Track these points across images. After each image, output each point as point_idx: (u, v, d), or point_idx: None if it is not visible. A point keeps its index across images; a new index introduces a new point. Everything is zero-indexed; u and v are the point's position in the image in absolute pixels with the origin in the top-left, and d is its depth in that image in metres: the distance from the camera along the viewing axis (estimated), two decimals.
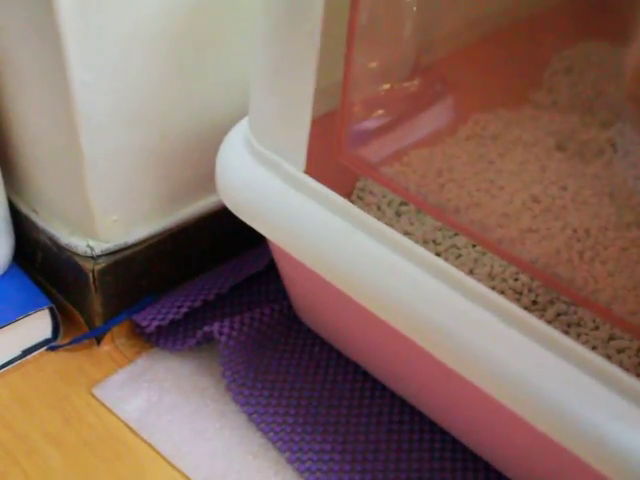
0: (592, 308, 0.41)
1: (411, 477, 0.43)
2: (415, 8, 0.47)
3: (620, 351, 0.45)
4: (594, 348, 0.45)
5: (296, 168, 0.41)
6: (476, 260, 0.51)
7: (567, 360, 0.33)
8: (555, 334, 0.34)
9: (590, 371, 0.33)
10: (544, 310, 0.48)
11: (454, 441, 0.45)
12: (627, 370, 0.33)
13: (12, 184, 0.51)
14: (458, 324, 0.36)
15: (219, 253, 0.55)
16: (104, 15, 0.41)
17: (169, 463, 0.44)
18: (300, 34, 0.39)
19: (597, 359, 0.33)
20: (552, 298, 0.49)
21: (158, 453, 0.45)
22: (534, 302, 0.49)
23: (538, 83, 0.57)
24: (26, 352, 0.50)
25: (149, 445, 0.45)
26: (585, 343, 0.45)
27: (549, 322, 0.47)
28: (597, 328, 0.46)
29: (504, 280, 0.49)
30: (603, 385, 0.33)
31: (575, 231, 0.49)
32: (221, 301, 0.53)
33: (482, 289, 0.36)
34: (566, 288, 0.41)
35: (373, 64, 0.47)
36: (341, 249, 0.39)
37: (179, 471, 0.44)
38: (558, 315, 0.48)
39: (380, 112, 0.50)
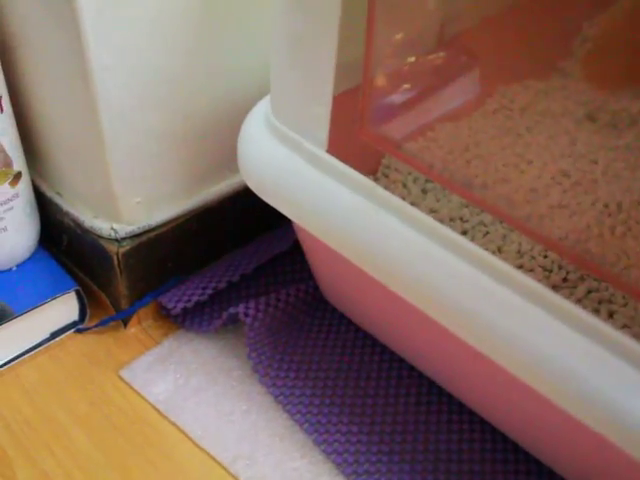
0: (622, 287, 0.40)
1: (440, 457, 0.43)
2: None
3: None
4: (625, 326, 0.44)
5: (318, 147, 0.40)
6: (504, 237, 0.50)
7: (595, 340, 0.33)
8: (582, 314, 0.33)
9: (618, 351, 0.32)
10: (574, 287, 0.47)
11: (482, 422, 0.44)
12: None
13: (36, 168, 0.51)
14: (484, 305, 0.35)
15: (243, 233, 0.54)
16: None
17: (196, 445, 0.44)
18: (320, 7, 0.38)
19: (625, 339, 0.32)
20: (583, 275, 0.48)
21: (185, 435, 0.45)
22: (564, 279, 0.48)
23: (567, 51, 0.56)
24: (54, 335, 0.50)
25: (176, 427, 0.45)
26: (616, 321, 0.44)
27: (579, 300, 0.46)
28: (626, 305, 0.45)
29: (533, 257, 0.48)
30: (631, 365, 0.32)
31: (606, 206, 0.48)
32: (246, 282, 0.52)
33: (508, 269, 0.35)
34: (595, 266, 0.40)
35: (396, 37, 0.46)
36: (364, 229, 0.39)
37: (207, 453, 0.44)
38: (589, 292, 0.47)
39: (404, 86, 0.49)
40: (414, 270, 0.37)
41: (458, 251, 0.36)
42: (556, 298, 0.34)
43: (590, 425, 0.32)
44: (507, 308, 0.35)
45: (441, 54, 0.51)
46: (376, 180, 0.54)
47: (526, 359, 0.34)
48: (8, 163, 0.47)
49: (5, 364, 0.48)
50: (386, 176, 0.54)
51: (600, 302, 0.46)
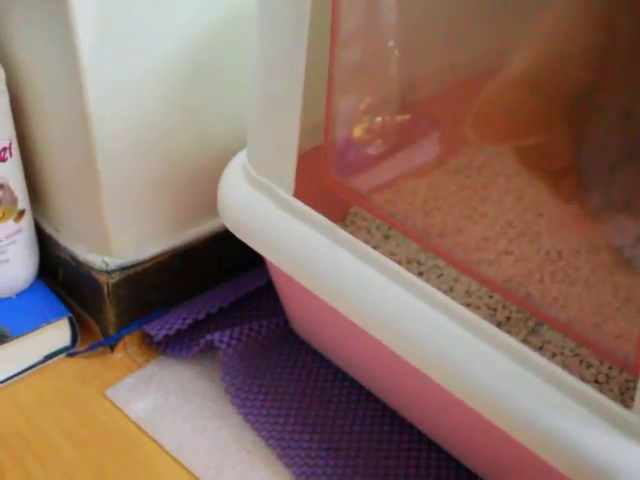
0: (557, 326, 0.46)
1: (389, 473, 0.47)
2: (397, 52, 0.53)
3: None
4: (554, 355, 0.49)
5: (286, 192, 0.46)
6: (456, 279, 0.55)
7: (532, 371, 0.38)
8: (522, 348, 0.38)
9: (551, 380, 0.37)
10: (517, 326, 0.52)
11: (430, 442, 0.49)
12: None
13: (37, 206, 0.57)
14: (437, 338, 0.40)
15: (222, 271, 0.60)
16: (121, 57, 0.46)
17: (172, 457, 0.49)
18: (287, 77, 0.45)
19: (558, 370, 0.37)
20: (526, 317, 0.53)
21: (162, 448, 0.50)
22: (508, 318, 0.53)
23: None
24: (47, 357, 0.55)
25: (154, 441, 0.50)
26: (546, 351, 0.50)
27: (523, 339, 0.51)
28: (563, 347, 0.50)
29: (480, 297, 0.54)
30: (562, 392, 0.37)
31: (548, 253, 0.53)
32: (223, 314, 0.58)
33: (458, 307, 0.40)
34: (534, 307, 0.46)
35: (358, 101, 0.52)
36: (327, 266, 0.44)
37: (180, 464, 0.48)
38: (531, 331, 0.52)
39: (368, 146, 0.55)
40: (371, 305, 0.43)
41: (413, 289, 0.42)
42: (497, 332, 0.39)
43: (532, 448, 0.37)
44: (456, 341, 0.40)
45: (402, 117, 0.57)
46: (344, 226, 0.60)
47: (471, 386, 0.39)
48: (14, 201, 0.52)
49: (2, 382, 0.53)
50: (353, 223, 0.60)
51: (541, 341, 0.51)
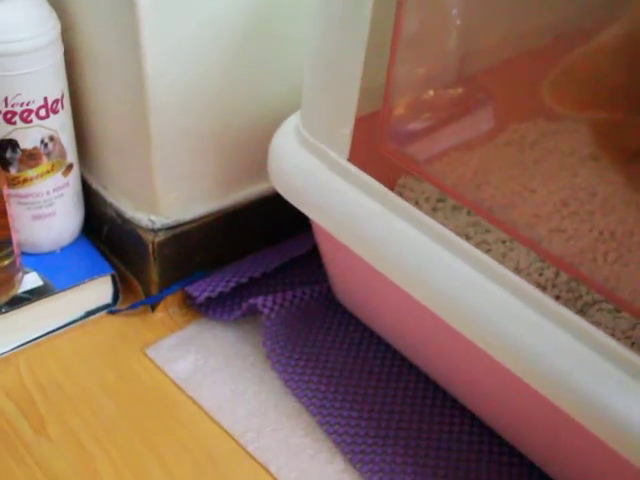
0: (614, 300, 0.45)
1: (430, 445, 0.47)
2: (458, 21, 0.51)
3: None
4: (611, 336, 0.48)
5: (340, 156, 0.45)
6: (504, 255, 0.54)
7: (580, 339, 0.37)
8: (572, 317, 0.37)
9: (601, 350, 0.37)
10: (565, 305, 0.51)
11: (473, 416, 0.49)
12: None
13: (85, 162, 0.57)
14: (485, 306, 0.40)
15: (267, 236, 0.59)
16: (179, 9, 0.46)
17: (210, 418, 0.49)
18: (349, 38, 0.44)
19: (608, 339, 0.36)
20: (575, 296, 0.52)
21: (201, 408, 0.49)
22: (557, 297, 0.52)
23: None
24: (89, 313, 0.55)
25: (193, 401, 0.50)
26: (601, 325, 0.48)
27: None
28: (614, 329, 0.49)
29: (529, 274, 0.53)
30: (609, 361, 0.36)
31: (601, 233, 0.52)
32: (266, 279, 0.57)
33: (510, 275, 0.39)
34: (591, 280, 0.45)
35: (417, 70, 0.51)
36: (379, 233, 0.44)
37: (219, 425, 0.48)
38: (579, 312, 0.51)
39: (423, 115, 0.54)
40: (423, 273, 0.42)
41: (464, 257, 0.41)
42: (552, 303, 0.38)
43: (573, 415, 0.37)
44: (503, 307, 0.39)
45: (459, 89, 0.56)
46: None
47: (520, 356, 0.38)
48: (63, 155, 0.52)
49: (44, 335, 0.53)
50: (400, 194, 0.59)
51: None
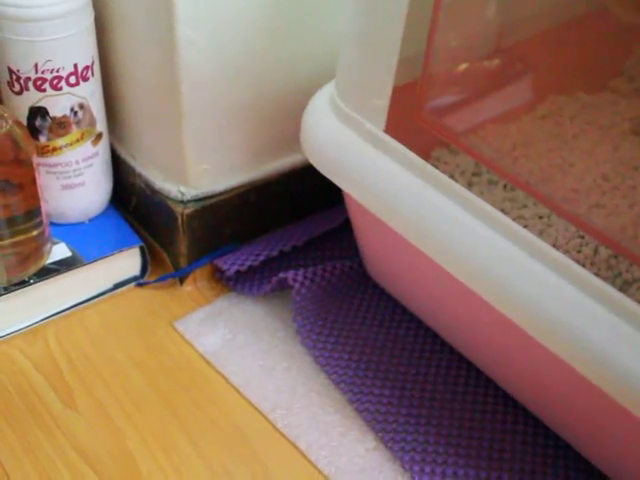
0: None
1: (463, 425, 0.46)
2: None
3: None
4: None
5: (377, 127, 0.44)
6: (542, 231, 0.53)
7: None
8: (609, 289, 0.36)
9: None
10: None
11: (506, 396, 0.48)
12: None
13: (115, 131, 0.56)
14: (523, 281, 0.38)
15: (298, 209, 0.58)
16: None
17: (239, 393, 0.48)
18: (388, 7, 0.42)
19: None
20: (614, 274, 0.51)
21: (230, 384, 0.49)
22: (596, 274, 0.50)
23: (619, 71, 0.59)
24: (117, 285, 0.55)
25: (222, 376, 0.49)
26: None
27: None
28: None
29: (567, 252, 0.51)
30: None
31: None
32: (296, 253, 0.56)
33: (550, 250, 0.38)
34: (633, 254, 0.43)
35: (456, 40, 0.49)
36: (414, 205, 0.42)
37: (248, 401, 0.48)
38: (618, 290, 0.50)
39: (460, 85, 0.52)
40: (457, 245, 0.41)
41: (498, 228, 0.40)
42: (592, 278, 0.37)
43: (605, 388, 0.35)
44: (542, 283, 0.38)
45: (498, 60, 0.55)
46: None
47: (557, 333, 0.37)
48: (92, 123, 0.51)
49: (72, 307, 0.53)
50: (436, 167, 0.58)
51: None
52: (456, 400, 0.47)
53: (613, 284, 0.50)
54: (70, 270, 0.51)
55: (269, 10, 0.48)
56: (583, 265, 0.51)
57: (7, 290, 0.49)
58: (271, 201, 0.56)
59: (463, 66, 0.51)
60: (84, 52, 0.48)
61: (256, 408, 0.47)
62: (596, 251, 0.51)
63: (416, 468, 0.44)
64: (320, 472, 0.44)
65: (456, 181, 0.56)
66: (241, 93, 0.50)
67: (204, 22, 0.45)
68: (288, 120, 0.52)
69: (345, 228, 0.56)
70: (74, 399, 0.47)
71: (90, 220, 0.55)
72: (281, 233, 0.57)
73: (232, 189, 0.53)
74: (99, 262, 0.53)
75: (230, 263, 0.54)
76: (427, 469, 0.44)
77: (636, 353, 0.35)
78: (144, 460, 0.44)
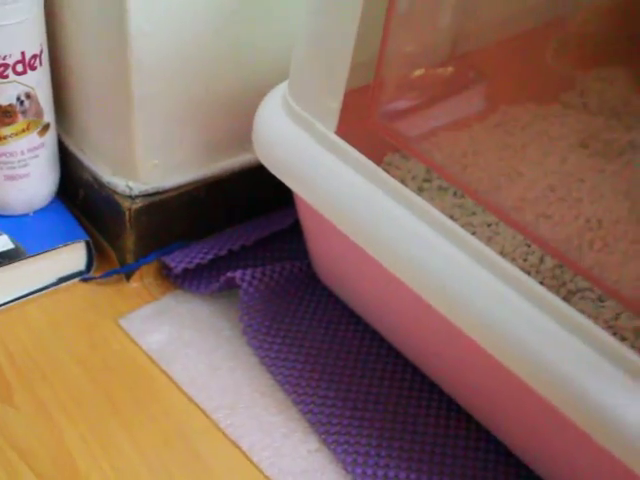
0: (600, 286, 0.44)
1: (406, 429, 0.46)
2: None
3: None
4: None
5: (328, 129, 0.44)
6: (489, 239, 0.53)
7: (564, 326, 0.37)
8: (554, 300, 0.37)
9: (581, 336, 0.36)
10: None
11: (450, 400, 0.48)
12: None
13: (63, 123, 0.55)
14: (469, 287, 0.39)
15: (248, 208, 0.58)
16: None
17: (182, 392, 0.47)
18: (342, 9, 0.42)
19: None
20: (558, 283, 0.52)
21: (174, 382, 0.48)
22: (541, 283, 0.51)
23: (570, 85, 0.60)
24: (61, 280, 0.53)
25: (166, 374, 0.48)
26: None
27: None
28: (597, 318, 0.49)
29: (514, 260, 0.52)
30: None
31: (588, 221, 0.51)
32: (245, 253, 0.56)
33: (496, 258, 0.39)
34: (577, 265, 0.44)
35: (409, 46, 0.50)
36: (363, 208, 0.42)
37: (191, 399, 0.47)
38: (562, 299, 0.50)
39: (414, 92, 0.52)
40: (405, 249, 0.41)
41: (446, 234, 0.40)
42: (532, 284, 0.38)
43: (551, 399, 0.36)
44: (487, 290, 0.39)
45: (451, 67, 0.55)
46: None
47: (502, 340, 0.38)
48: (39, 114, 0.50)
49: (13, 300, 0.52)
50: (387, 172, 0.58)
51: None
52: (400, 404, 0.47)
53: (557, 293, 0.51)
54: (12, 263, 0.50)
55: (225, 6, 0.47)
56: (529, 273, 0.52)
57: None
58: (221, 199, 0.55)
59: (416, 72, 0.52)
60: (32, 40, 0.47)
61: (199, 407, 0.47)
62: (542, 260, 0.51)
63: (358, 470, 0.44)
64: (262, 473, 0.44)
65: (407, 186, 0.56)
66: (193, 89, 0.49)
67: (156, 12, 0.45)
68: (240, 118, 0.52)
69: (295, 229, 0.56)
70: (12, 395, 0.46)
71: (35, 212, 0.54)
72: (230, 232, 0.56)
73: (182, 186, 0.53)
74: (43, 255, 0.52)
75: (178, 260, 0.53)
76: (369, 472, 0.44)
77: (576, 360, 0.36)
78: (83, 458, 0.43)
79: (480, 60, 0.56)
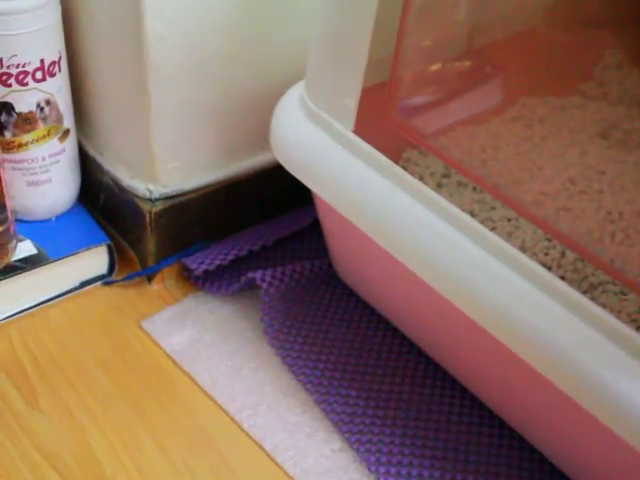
0: (621, 279, 0.43)
1: (430, 427, 0.46)
2: None
3: None
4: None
5: (345, 128, 0.43)
6: (510, 234, 0.53)
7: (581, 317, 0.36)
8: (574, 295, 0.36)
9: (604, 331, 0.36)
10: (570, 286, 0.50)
11: (473, 398, 0.48)
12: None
13: (83, 128, 0.55)
14: (490, 284, 0.39)
15: (267, 209, 0.58)
16: None
17: (205, 393, 0.48)
18: (357, 8, 0.42)
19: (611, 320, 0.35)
20: (580, 277, 0.51)
21: (196, 384, 0.48)
22: (562, 277, 0.51)
23: (588, 75, 0.59)
24: (83, 284, 0.54)
25: (188, 376, 0.49)
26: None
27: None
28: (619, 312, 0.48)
29: (534, 254, 0.51)
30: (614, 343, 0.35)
31: (609, 213, 0.51)
32: (265, 253, 0.56)
33: (516, 253, 0.38)
34: (598, 259, 0.44)
35: (425, 42, 0.49)
36: (382, 207, 0.42)
37: (214, 401, 0.47)
38: (584, 294, 0.50)
39: (430, 87, 0.52)
40: (425, 247, 0.41)
41: (469, 233, 0.40)
42: (552, 279, 0.37)
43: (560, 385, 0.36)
44: (508, 286, 0.38)
45: (468, 62, 0.55)
46: None
47: (523, 336, 0.37)
48: (59, 119, 0.51)
49: (37, 305, 0.52)
50: (405, 169, 0.58)
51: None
52: (423, 402, 0.47)
53: (579, 287, 0.50)
54: (35, 268, 0.51)
55: (240, 9, 0.47)
56: (550, 267, 0.51)
57: None
58: (240, 200, 0.56)
59: (433, 67, 0.51)
60: (51, 47, 0.48)
61: (222, 408, 0.47)
62: (563, 254, 0.51)
63: (382, 469, 0.44)
64: (286, 473, 0.44)
65: (425, 183, 0.56)
66: (210, 91, 0.49)
67: (173, 17, 0.45)
68: (258, 119, 0.52)
69: (315, 228, 0.56)
70: (37, 399, 0.47)
71: (57, 217, 0.55)
72: (250, 233, 0.56)
73: (201, 188, 0.53)
74: (65, 260, 0.52)
75: (199, 262, 0.53)
76: (392, 470, 0.44)
77: (598, 356, 0.35)
78: (108, 460, 0.44)
79: (497, 53, 0.56)
